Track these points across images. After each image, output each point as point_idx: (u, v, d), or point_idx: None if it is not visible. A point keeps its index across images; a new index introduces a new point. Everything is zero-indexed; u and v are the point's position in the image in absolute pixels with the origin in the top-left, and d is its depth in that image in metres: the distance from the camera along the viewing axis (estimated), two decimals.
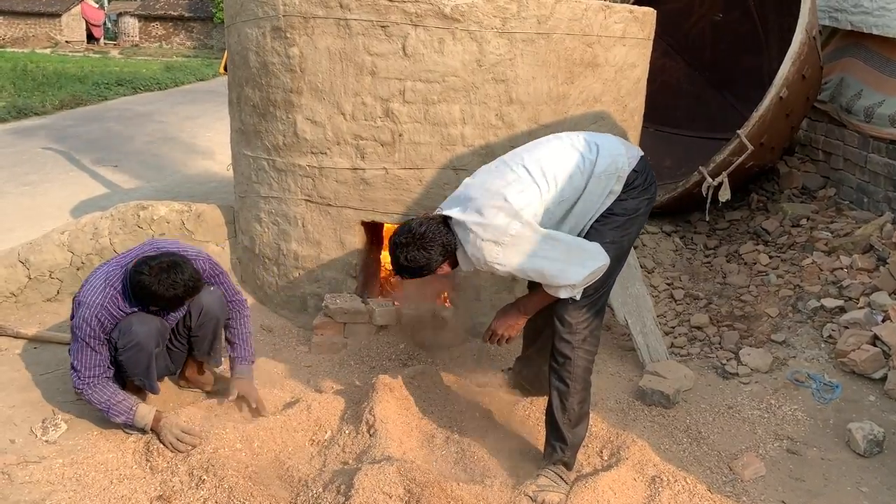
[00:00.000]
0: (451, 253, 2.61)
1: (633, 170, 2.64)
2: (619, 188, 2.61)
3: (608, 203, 2.61)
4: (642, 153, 2.75)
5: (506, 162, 2.67)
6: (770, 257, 4.69)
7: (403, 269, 2.61)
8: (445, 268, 2.65)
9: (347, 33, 3.47)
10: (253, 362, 3.21)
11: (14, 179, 7.01)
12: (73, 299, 2.87)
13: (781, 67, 4.61)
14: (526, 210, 2.50)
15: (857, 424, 3.05)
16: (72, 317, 2.88)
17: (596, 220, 2.63)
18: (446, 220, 2.61)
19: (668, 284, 4.57)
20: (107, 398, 2.79)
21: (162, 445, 2.79)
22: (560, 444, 2.71)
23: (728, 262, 4.81)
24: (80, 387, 2.80)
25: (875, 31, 5.22)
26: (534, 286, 2.83)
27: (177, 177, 7.55)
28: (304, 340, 3.83)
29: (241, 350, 3.17)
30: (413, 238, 2.55)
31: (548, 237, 2.51)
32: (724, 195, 4.51)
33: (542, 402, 3.11)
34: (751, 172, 5.28)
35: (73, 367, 2.81)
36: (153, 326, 2.87)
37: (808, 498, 2.74)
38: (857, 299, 3.90)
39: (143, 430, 2.85)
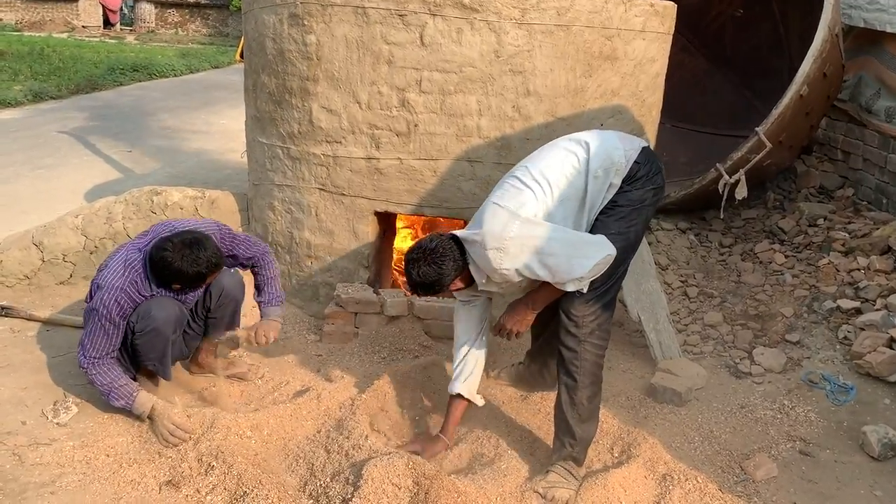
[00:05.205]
0: (462, 268, 2.62)
1: (636, 161, 2.63)
2: (618, 181, 2.61)
3: (610, 196, 2.62)
4: (645, 144, 2.73)
5: (501, 181, 2.72)
6: (786, 257, 4.64)
7: (417, 284, 2.62)
8: (458, 283, 2.66)
9: (365, 21, 3.45)
10: (282, 303, 3.22)
11: (29, 163, 7.03)
12: (92, 282, 2.87)
13: (803, 65, 4.54)
14: (522, 210, 2.51)
15: (871, 427, 3.02)
16: (87, 299, 2.89)
17: (601, 213, 2.63)
18: (457, 238, 2.64)
19: (682, 282, 4.53)
20: (109, 381, 2.79)
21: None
22: (569, 439, 2.69)
23: (743, 260, 4.76)
24: (85, 365, 2.80)
25: (889, 29, 5.11)
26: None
27: (190, 163, 7.55)
28: (315, 329, 3.83)
29: (267, 294, 3.19)
30: (424, 253, 2.58)
31: (549, 232, 2.50)
32: (741, 193, 4.46)
33: (552, 395, 3.09)
34: (768, 171, 5.22)
35: (81, 344, 2.82)
36: (172, 313, 2.86)
37: (820, 500, 2.72)
38: (874, 301, 3.85)
39: (140, 418, 2.85)
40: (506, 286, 2.68)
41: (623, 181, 2.61)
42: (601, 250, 2.50)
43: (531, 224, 2.49)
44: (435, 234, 2.71)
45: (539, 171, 2.60)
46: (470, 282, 2.69)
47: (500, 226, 2.50)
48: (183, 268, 2.74)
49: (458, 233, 2.65)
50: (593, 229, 2.61)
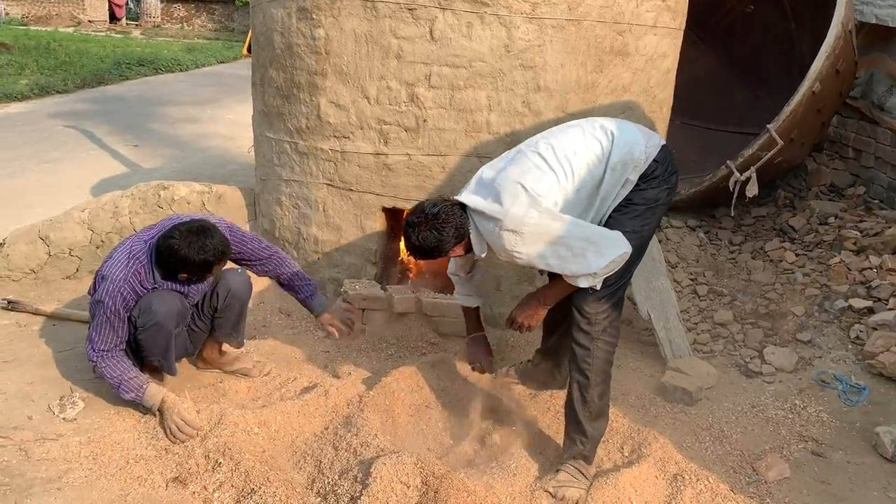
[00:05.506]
0: (463, 236, 2.59)
1: (654, 160, 2.59)
2: (635, 177, 2.57)
3: (625, 192, 2.58)
4: (664, 142, 2.69)
5: (522, 150, 2.64)
6: (797, 255, 4.60)
7: (415, 248, 2.60)
8: (458, 250, 2.63)
9: (374, 15, 3.42)
10: (318, 289, 3.33)
11: (36, 157, 7.03)
12: (96, 273, 2.85)
13: (815, 61, 4.49)
14: (545, 198, 2.46)
15: (884, 428, 2.98)
16: (92, 291, 2.87)
17: (615, 210, 2.59)
18: (462, 205, 2.59)
19: (692, 280, 4.49)
20: (119, 373, 2.77)
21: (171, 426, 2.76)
22: (580, 437, 2.66)
23: (753, 258, 4.72)
24: (94, 358, 2.78)
25: None
26: (554, 276, 2.79)
27: (197, 158, 7.53)
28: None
29: (305, 289, 3.25)
30: (426, 218, 2.55)
31: (567, 225, 2.47)
32: (752, 190, 4.42)
33: (561, 394, 3.06)
34: (779, 168, 5.17)
35: (89, 338, 2.80)
36: (174, 307, 2.84)
37: (833, 502, 2.68)
38: (887, 300, 3.81)
39: (150, 411, 2.83)
40: (504, 259, 2.64)
41: (640, 178, 2.57)
42: (617, 248, 2.47)
43: (551, 215, 2.45)
44: (438, 197, 2.66)
45: (564, 154, 2.54)
46: (469, 249, 2.65)
47: (520, 210, 2.45)
48: (189, 255, 2.71)
49: (467, 201, 2.57)
50: (607, 226, 2.58)
